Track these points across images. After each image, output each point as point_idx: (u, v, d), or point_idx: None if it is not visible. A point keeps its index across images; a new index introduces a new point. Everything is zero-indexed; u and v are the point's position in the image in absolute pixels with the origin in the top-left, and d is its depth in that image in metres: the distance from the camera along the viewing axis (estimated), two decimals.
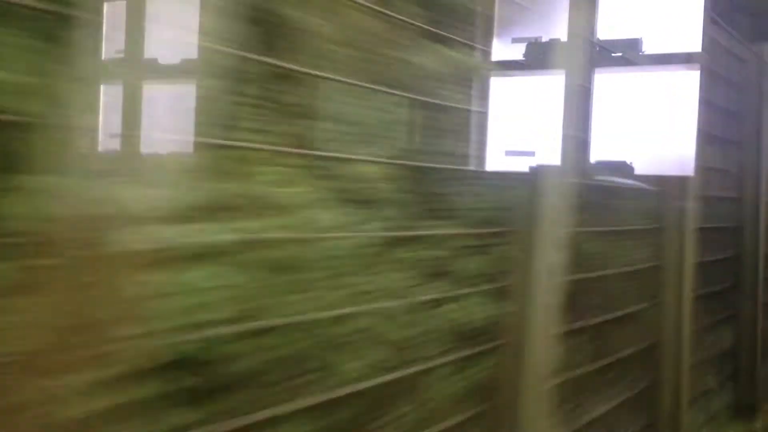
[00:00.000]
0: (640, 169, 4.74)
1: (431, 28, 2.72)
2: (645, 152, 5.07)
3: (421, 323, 2.48)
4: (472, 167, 2.46)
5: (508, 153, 5.25)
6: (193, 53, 2.01)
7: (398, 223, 2.45)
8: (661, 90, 5.18)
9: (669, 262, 4.17)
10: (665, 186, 4.52)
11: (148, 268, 1.69)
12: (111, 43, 1.91)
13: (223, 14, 1.93)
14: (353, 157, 2.33)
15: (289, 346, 1.98)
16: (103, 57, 1.95)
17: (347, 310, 2.22)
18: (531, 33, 5.34)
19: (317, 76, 2.24)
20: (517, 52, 4.98)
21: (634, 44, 5.03)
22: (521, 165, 4.69)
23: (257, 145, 2.05)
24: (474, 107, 3.32)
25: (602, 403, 3.84)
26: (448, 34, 2.87)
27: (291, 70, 2.08)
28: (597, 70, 4.55)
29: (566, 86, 3.36)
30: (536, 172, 2.34)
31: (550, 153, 4.03)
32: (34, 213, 1.52)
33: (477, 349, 2.43)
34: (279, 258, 1.99)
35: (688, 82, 4.92)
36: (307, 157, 2.19)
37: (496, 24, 3.76)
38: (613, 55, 4.86)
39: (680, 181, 4.78)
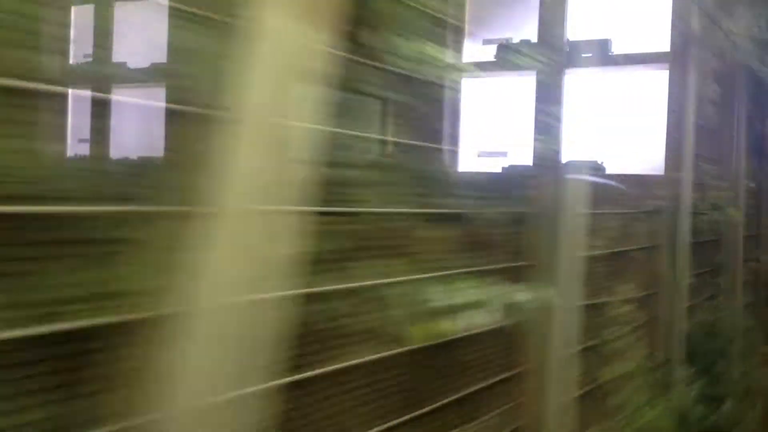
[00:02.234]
0: (612, 169, 4.79)
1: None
2: (616, 151, 5.12)
3: None
4: None
5: (482, 154, 5.28)
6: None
7: None
8: (631, 89, 5.24)
9: None
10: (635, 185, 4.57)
11: None
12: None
13: None
14: None
15: None
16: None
17: None
18: (502, 34, 5.37)
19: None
20: (488, 54, 5.01)
21: (603, 45, 5.08)
22: (495, 165, 4.71)
23: None
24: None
25: None
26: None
27: None
28: (567, 70, 4.58)
29: (537, 87, 3.38)
30: None
31: (522, 153, 4.05)
32: None
33: None
34: None
35: (658, 80, 4.98)
36: None
37: (466, 26, 3.77)
38: (583, 55, 4.90)
39: (651, 179, 4.83)
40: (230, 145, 1.65)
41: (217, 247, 1.62)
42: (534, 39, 4.54)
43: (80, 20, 2.08)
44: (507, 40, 4.88)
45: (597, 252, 3.99)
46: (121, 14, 2.47)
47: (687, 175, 4.59)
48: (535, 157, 3.62)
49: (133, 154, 2.22)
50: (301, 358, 2.14)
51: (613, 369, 4.08)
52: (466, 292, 2.86)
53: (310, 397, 2.26)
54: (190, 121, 1.69)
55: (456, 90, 3.56)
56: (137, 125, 2.19)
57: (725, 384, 5.40)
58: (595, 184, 3.97)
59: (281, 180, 1.77)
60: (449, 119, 3.42)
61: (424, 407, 2.75)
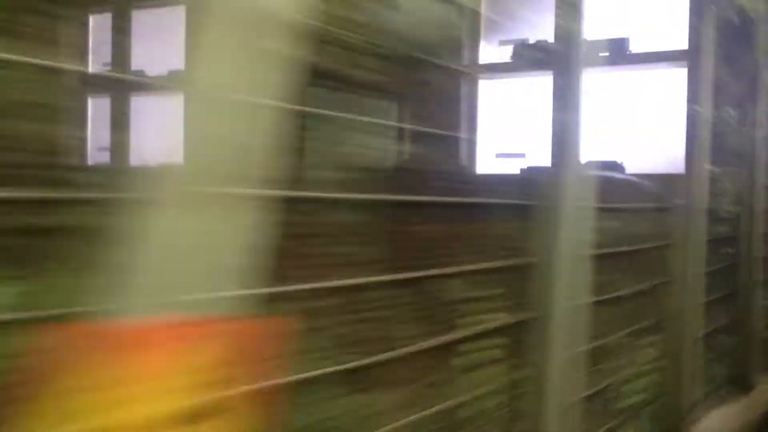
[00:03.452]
0: (631, 168, 4.76)
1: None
2: (635, 151, 5.10)
3: None
4: None
5: (499, 155, 5.27)
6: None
7: None
8: (649, 88, 5.21)
9: None
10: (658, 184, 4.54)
11: None
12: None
13: None
14: None
15: None
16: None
17: None
18: (518, 35, 5.36)
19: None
20: (504, 54, 5.01)
21: (621, 43, 5.06)
22: (512, 167, 4.71)
23: None
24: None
25: None
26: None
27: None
28: (585, 69, 4.56)
29: (554, 87, 3.36)
30: None
31: (540, 154, 4.03)
32: None
33: None
34: None
35: (676, 79, 4.94)
36: None
37: (482, 26, 3.77)
38: (600, 54, 4.88)
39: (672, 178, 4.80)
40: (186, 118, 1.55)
41: (164, 236, 1.49)
42: (550, 39, 4.54)
43: None
44: (523, 40, 4.87)
45: (609, 249, 3.95)
46: None
47: (701, 172, 4.55)
48: (553, 157, 3.61)
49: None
50: None
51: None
52: None
53: None
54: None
55: (473, 91, 3.55)
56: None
57: None
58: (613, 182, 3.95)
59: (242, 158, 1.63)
60: (466, 120, 3.41)
61: None
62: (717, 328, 5.20)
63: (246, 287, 1.56)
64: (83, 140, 2.00)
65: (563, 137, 3.36)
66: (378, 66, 2.46)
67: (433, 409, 2.37)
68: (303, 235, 2.02)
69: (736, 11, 4.72)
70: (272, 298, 1.72)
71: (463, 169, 3.39)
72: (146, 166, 1.59)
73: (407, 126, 2.81)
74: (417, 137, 2.87)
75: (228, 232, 1.57)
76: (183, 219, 1.48)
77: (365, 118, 2.30)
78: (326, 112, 2.11)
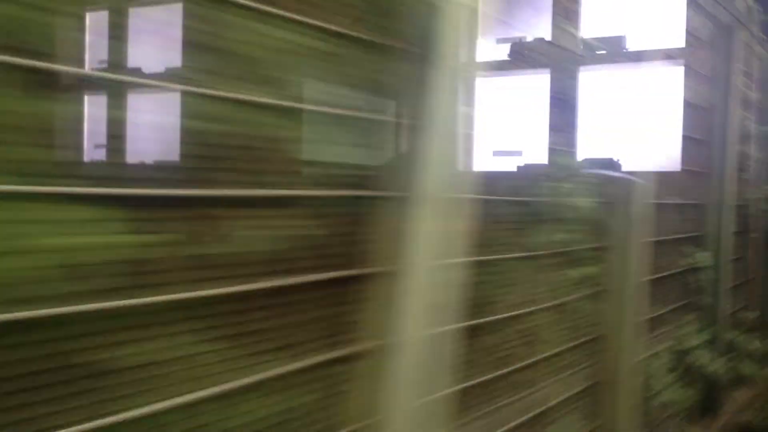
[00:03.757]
0: (627, 166, 4.76)
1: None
2: (631, 148, 5.10)
3: None
4: None
5: (496, 153, 5.26)
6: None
7: None
8: (645, 86, 5.21)
9: None
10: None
11: None
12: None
13: None
14: None
15: None
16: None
17: None
18: (516, 33, 5.36)
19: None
20: (501, 53, 5.00)
21: (617, 41, 5.06)
22: (509, 164, 4.71)
23: None
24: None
25: None
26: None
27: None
28: (582, 67, 4.57)
29: (552, 85, 3.36)
30: None
31: (537, 152, 4.04)
32: None
33: None
34: None
35: (672, 77, 4.95)
36: None
37: (480, 25, 3.77)
38: (597, 52, 4.88)
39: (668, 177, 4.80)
40: None
41: None
42: (548, 37, 4.54)
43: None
44: (521, 38, 4.87)
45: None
46: None
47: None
48: (550, 155, 3.62)
49: None
50: None
51: None
52: None
53: None
54: None
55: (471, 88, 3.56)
56: None
57: None
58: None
59: None
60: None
61: None
62: (553, 407, 3.15)
63: None
64: None
65: (560, 135, 3.35)
66: None
67: None
68: None
69: None
70: None
71: None
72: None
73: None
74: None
75: None
76: None
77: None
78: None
